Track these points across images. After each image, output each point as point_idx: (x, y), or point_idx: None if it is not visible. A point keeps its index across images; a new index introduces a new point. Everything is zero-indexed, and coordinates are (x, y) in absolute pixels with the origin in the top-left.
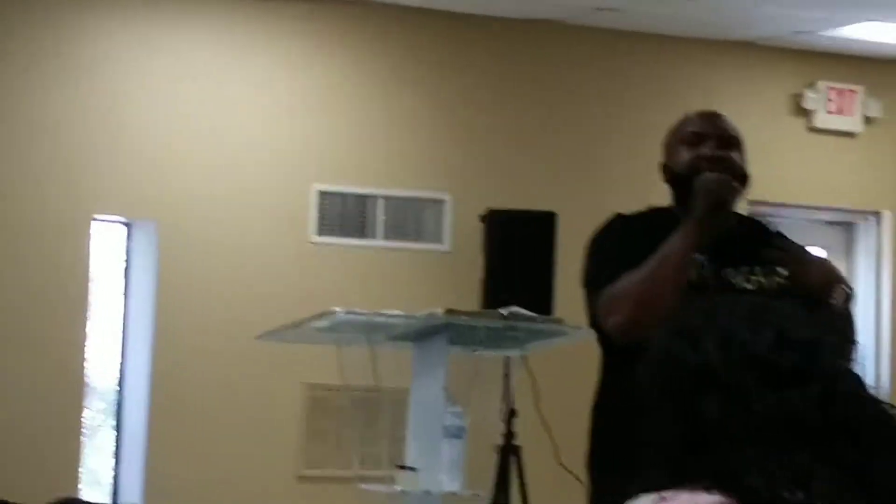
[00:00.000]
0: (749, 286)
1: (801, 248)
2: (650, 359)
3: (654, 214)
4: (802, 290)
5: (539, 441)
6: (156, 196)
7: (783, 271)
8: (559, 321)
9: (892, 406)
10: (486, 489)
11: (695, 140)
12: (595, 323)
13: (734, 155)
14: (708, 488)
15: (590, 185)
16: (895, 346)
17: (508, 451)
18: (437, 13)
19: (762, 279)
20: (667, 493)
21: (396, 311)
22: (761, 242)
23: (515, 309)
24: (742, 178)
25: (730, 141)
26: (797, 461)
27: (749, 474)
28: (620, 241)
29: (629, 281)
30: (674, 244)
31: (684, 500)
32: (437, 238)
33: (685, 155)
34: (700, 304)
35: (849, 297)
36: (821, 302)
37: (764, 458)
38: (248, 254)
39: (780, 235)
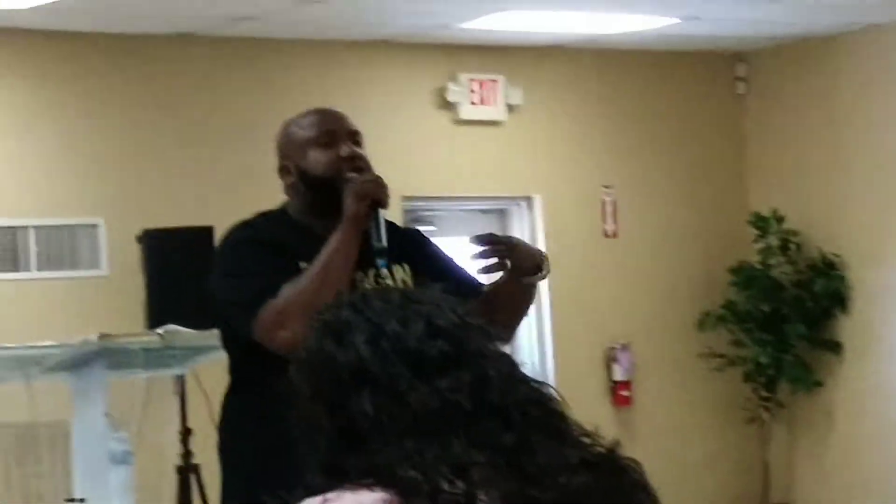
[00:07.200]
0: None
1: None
2: (301, 359)
3: (276, 219)
4: (518, 271)
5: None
6: None
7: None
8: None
9: (544, 384)
10: None
11: (328, 140)
12: (247, 338)
13: (364, 151)
14: (370, 486)
15: (244, 196)
16: (555, 326)
17: (188, 470)
18: (71, 35)
19: (404, 277)
20: (330, 495)
21: (49, 342)
22: (404, 238)
23: (172, 327)
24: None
25: (358, 137)
26: (454, 450)
27: (407, 468)
28: (258, 251)
29: (295, 292)
30: (335, 248)
31: (348, 500)
32: (95, 264)
33: (321, 157)
34: (350, 299)
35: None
36: (532, 281)
37: (421, 451)
38: None
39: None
